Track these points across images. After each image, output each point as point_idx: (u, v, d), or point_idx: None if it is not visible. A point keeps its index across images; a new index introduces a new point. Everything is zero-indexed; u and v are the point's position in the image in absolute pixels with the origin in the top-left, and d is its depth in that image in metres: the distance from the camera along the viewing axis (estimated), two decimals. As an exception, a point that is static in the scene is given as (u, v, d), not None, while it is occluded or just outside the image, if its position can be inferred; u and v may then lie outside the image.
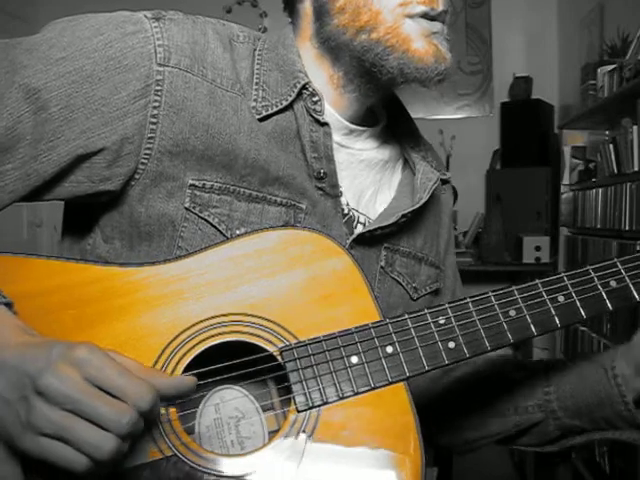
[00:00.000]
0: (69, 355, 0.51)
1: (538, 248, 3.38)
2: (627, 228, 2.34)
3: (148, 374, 0.56)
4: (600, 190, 2.68)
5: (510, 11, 3.83)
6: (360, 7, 0.71)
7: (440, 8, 0.72)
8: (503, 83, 3.84)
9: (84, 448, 0.50)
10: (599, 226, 2.69)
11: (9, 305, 0.59)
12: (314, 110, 0.73)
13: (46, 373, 0.50)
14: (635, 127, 2.29)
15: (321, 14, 0.74)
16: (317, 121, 0.74)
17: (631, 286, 0.70)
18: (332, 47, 0.74)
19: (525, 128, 3.57)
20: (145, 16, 0.70)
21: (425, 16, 0.71)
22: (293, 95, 0.73)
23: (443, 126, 3.81)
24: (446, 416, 0.89)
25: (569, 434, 0.82)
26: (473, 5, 3.89)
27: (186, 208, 0.69)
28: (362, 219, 0.80)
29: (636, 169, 2.27)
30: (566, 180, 3.21)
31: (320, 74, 0.76)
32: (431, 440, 0.91)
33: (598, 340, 2.60)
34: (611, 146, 2.51)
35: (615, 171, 2.50)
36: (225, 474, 0.60)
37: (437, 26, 0.72)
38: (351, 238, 0.76)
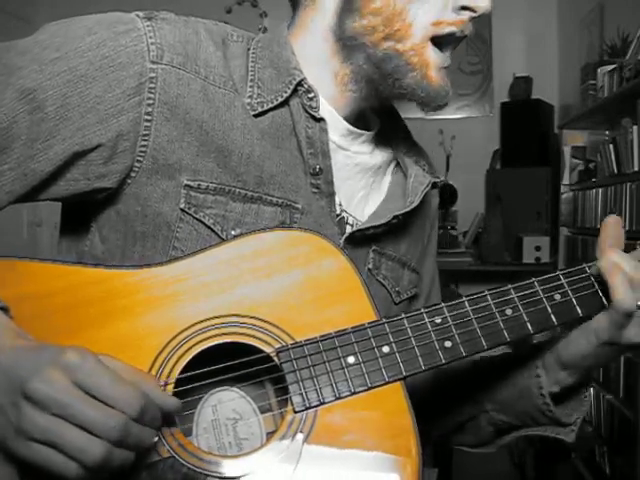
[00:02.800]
0: (59, 359, 0.51)
1: (538, 248, 3.38)
2: (627, 228, 2.34)
3: (139, 378, 0.56)
4: (600, 190, 2.68)
5: (510, 11, 3.82)
6: (395, 15, 0.70)
7: (466, 32, 0.73)
8: (503, 83, 3.84)
9: (72, 453, 0.50)
10: (599, 226, 2.67)
11: (4, 309, 0.59)
12: (310, 106, 0.73)
13: (35, 377, 0.50)
14: (635, 127, 2.29)
15: (349, 11, 0.72)
16: (313, 117, 0.74)
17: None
18: (350, 45, 0.73)
19: (525, 128, 3.57)
20: (137, 15, 0.70)
21: (449, 36, 0.72)
22: (288, 92, 0.73)
23: (443, 126, 3.81)
24: None
25: (503, 431, 0.82)
26: (473, 5, 3.88)
27: (181, 209, 0.69)
28: (351, 220, 0.80)
29: (636, 169, 2.27)
30: (566, 180, 3.22)
31: (326, 69, 0.76)
32: (429, 437, 0.91)
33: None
34: (611, 146, 2.52)
35: (615, 171, 2.50)
36: (223, 475, 0.60)
37: (448, 61, 0.74)
38: (343, 237, 0.76)
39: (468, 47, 3.89)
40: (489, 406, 0.80)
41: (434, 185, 0.91)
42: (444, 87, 0.74)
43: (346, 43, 0.74)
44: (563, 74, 3.78)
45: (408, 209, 0.77)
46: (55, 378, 0.50)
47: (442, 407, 0.86)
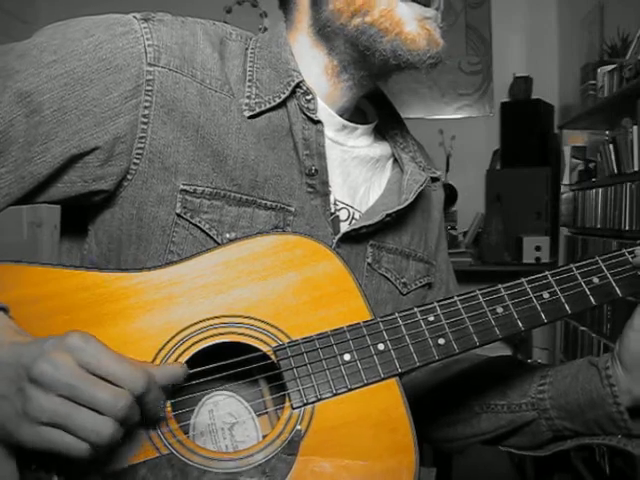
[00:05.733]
0: (62, 343, 0.52)
1: (538, 248, 3.37)
2: (627, 228, 2.34)
3: (140, 362, 0.56)
4: (600, 190, 2.68)
5: (510, 11, 3.83)
6: None
7: None
8: (503, 83, 3.84)
9: (83, 433, 0.50)
10: (599, 226, 2.69)
11: (4, 310, 0.59)
12: (307, 108, 0.74)
13: (40, 360, 0.51)
14: (635, 127, 2.29)
15: (316, 4, 0.75)
16: (310, 119, 0.74)
17: (613, 282, 0.72)
18: (328, 33, 0.75)
19: (525, 128, 3.56)
20: (134, 17, 0.70)
21: (418, 1, 0.72)
22: (287, 93, 0.73)
23: (443, 126, 3.80)
24: (440, 410, 0.89)
25: (560, 437, 0.80)
26: (473, 5, 3.88)
27: (177, 214, 0.70)
28: (357, 215, 0.81)
29: (636, 169, 2.27)
30: (566, 180, 3.22)
31: (315, 65, 0.77)
32: (426, 435, 0.92)
33: (598, 340, 2.60)
34: (611, 146, 2.51)
35: (615, 171, 2.50)
36: (221, 471, 0.60)
37: (430, 12, 0.73)
38: (336, 238, 0.76)
39: (468, 47, 3.89)
40: (553, 412, 0.78)
41: (435, 179, 0.91)
42: (426, 39, 0.72)
43: (324, 33, 0.75)
44: (563, 74, 3.78)
45: (401, 207, 0.78)
46: (61, 360, 0.51)
47: (491, 409, 0.85)
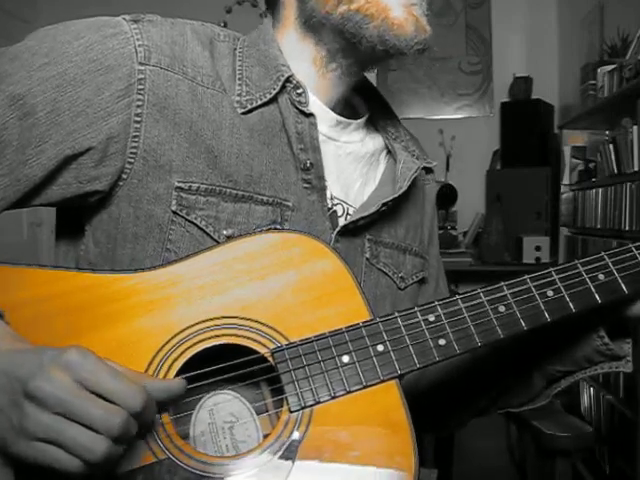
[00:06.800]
0: (60, 358, 0.51)
1: (538, 248, 3.37)
2: (627, 228, 2.34)
3: (138, 378, 0.56)
4: (600, 190, 2.68)
5: (510, 11, 3.83)
6: None
7: None
8: (503, 83, 3.84)
9: (76, 450, 0.50)
10: (599, 226, 2.69)
11: (0, 315, 0.59)
12: (299, 102, 0.74)
13: (37, 376, 0.50)
14: (635, 127, 2.29)
15: None
16: (302, 112, 0.74)
17: (619, 279, 0.70)
18: (314, 24, 0.75)
19: (525, 128, 3.56)
20: (124, 19, 0.71)
21: None
22: (277, 88, 0.74)
23: (443, 126, 3.80)
24: (434, 395, 0.89)
25: (553, 380, 0.82)
26: (473, 5, 3.88)
27: (173, 211, 0.69)
28: (351, 211, 0.81)
29: (636, 169, 2.27)
30: (566, 180, 3.21)
31: (304, 59, 0.77)
32: (426, 427, 0.92)
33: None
34: (611, 146, 2.51)
35: (615, 171, 2.49)
36: (219, 476, 0.60)
37: None
38: (335, 232, 0.76)
39: (468, 47, 3.89)
40: (544, 361, 0.80)
41: (429, 170, 0.91)
42: (412, 26, 0.72)
43: (310, 24, 0.75)
44: (563, 74, 3.78)
45: (396, 195, 0.78)
46: (58, 377, 0.50)
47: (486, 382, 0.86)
